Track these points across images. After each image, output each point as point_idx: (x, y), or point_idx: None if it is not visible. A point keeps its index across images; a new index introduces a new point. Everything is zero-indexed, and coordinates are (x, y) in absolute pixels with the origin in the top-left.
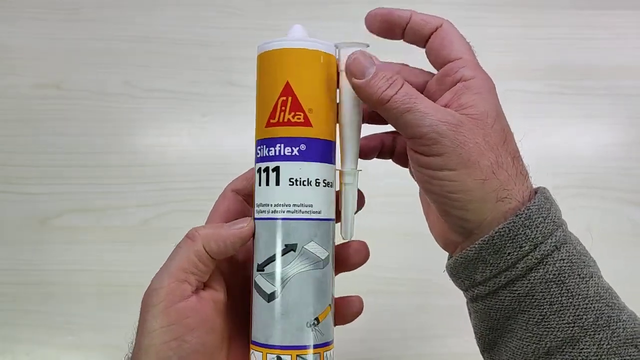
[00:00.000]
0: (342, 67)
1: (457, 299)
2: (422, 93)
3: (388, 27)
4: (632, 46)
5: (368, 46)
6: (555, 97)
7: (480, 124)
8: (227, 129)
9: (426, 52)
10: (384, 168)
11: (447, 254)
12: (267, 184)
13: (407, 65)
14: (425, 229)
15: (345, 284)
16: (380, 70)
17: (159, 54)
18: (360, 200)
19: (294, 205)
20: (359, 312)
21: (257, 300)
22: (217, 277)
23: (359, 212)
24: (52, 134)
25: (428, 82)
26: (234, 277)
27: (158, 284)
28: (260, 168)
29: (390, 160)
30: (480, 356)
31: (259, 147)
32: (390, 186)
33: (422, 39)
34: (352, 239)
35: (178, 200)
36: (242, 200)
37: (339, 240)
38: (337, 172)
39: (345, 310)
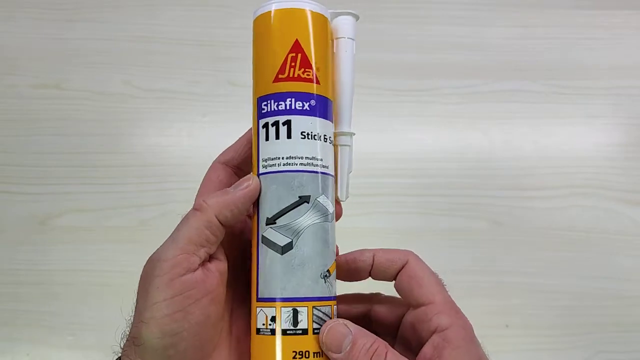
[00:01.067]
0: (337, 34)
1: (458, 298)
2: (397, 331)
3: (355, 272)
4: (632, 46)
5: (358, 18)
6: (555, 97)
7: None
8: (227, 129)
9: (395, 288)
10: (385, 167)
11: (447, 253)
12: (277, 137)
13: (380, 296)
14: (426, 229)
15: (347, 285)
16: (358, 339)
17: (159, 54)
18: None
19: (307, 157)
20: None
21: (267, 255)
22: (220, 247)
23: (360, 212)
24: (52, 134)
25: (403, 316)
26: (231, 246)
27: (163, 256)
28: (267, 123)
29: (392, 160)
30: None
31: (264, 103)
32: (388, 186)
33: (389, 278)
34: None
35: (178, 200)
36: (231, 172)
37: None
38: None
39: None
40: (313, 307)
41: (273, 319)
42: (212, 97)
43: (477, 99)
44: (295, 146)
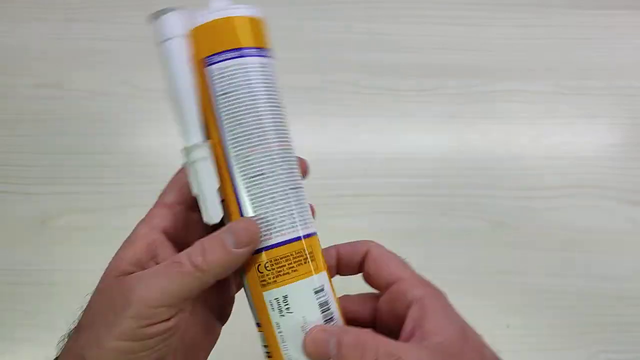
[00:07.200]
0: (160, 37)
1: (457, 298)
2: (374, 320)
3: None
4: (631, 46)
5: (167, 11)
6: (555, 97)
7: (454, 356)
8: None
9: (364, 277)
10: (382, 167)
11: (447, 253)
12: None
13: (347, 296)
14: (425, 229)
15: (344, 285)
16: (343, 338)
17: None
18: None
19: None
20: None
21: None
22: None
23: (359, 212)
24: (52, 134)
25: (375, 306)
26: None
27: (149, 300)
28: None
29: (392, 160)
30: None
31: None
32: (388, 186)
33: (354, 269)
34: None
35: None
36: None
37: None
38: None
39: None
40: None
41: None
42: None
43: (477, 99)
44: None
